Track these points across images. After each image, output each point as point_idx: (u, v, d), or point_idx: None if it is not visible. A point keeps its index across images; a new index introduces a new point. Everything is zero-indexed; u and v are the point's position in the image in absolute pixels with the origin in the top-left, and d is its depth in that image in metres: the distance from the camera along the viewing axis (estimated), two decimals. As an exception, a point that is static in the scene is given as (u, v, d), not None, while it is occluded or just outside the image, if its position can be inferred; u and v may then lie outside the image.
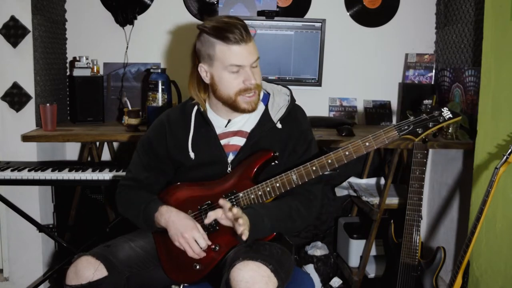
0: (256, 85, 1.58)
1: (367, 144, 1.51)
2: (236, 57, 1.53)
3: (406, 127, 1.52)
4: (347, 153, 1.51)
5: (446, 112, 1.52)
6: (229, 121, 1.67)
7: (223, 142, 1.64)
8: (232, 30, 1.51)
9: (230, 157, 1.63)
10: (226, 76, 1.56)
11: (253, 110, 1.61)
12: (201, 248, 1.54)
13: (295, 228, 1.61)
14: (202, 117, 1.66)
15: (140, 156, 1.73)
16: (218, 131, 1.65)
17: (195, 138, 1.65)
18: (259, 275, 1.37)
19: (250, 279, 1.36)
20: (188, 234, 1.53)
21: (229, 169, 1.62)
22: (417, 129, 1.52)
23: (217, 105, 1.66)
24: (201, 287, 1.61)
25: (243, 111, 1.60)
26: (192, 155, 1.64)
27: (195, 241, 1.53)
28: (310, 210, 1.62)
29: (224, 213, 1.48)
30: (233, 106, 1.60)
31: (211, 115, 1.68)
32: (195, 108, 1.68)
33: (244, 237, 1.42)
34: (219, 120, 1.67)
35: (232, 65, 1.54)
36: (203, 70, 1.61)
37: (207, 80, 1.62)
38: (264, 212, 1.52)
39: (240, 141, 1.64)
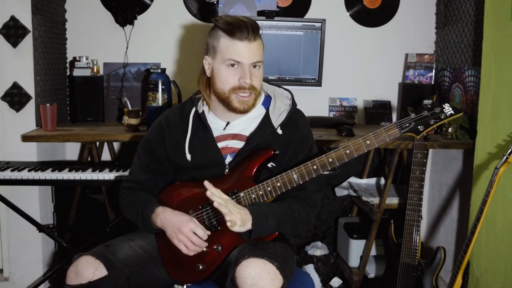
0: (251, 86, 1.57)
1: (368, 142, 1.50)
2: (236, 53, 1.54)
3: (407, 124, 1.50)
4: (348, 151, 1.51)
5: (447, 108, 1.49)
6: (227, 123, 1.66)
7: (221, 144, 1.64)
8: (241, 27, 1.53)
9: (228, 159, 1.63)
10: (224, 70, 1.57)
11: (245, 111, 1.60)
12: (201, 239, 1.53)
13: (295, 230, 1.61)
14: (200, 119, 1.66)
15: (140, 158, 1.74)
16: (216, 133, 1.65)
17: (192, 140, 1.65)
18: (265, 271, 1.37)
19: (256, 276, 1.35)
20: (185, 228, 1.53)
21: (227, 171, 1.62)
22: (418, 127, 1.49)
23: (217, 107, 1.65)
24: (205, 287, 1.61)
25: (234, 110, 1.59)
26: (188, 157, 1.64)
27: (194, 233, 1.53)
28: (309, 216, 1.62)
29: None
30: (226, 103, 1.59)
31: (210, 117, 1.67)
32: (193, 109, 1.68)
33: (233, 226, 1.44)
34: (218, 122, 1.67)
35: (230, 60, 1.55)
36: (207, 62, 1.63)
37: (208, 73, 1.63)
38: (269, 210, 1.52)
39: (238, 144, 1.64)
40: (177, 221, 1.55)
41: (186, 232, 1.53)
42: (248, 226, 1.48)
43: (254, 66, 1.57)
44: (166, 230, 1.57)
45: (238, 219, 1.45)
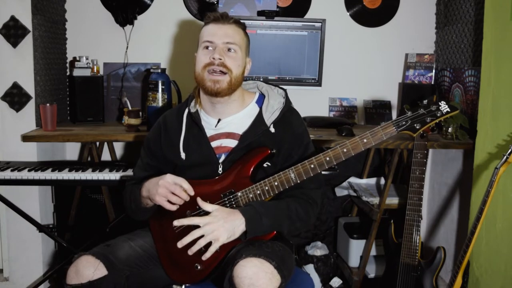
0: (222, 63, 1.58)
1: (365, 140, 1.50)
2: (209, 33, 1.61)
3: (403, 122, 1.50)
4: (345, 150, 1.51)
5: (443, 106, 1.49)
6: (219, 120, 1.67)
7: (215, 143, 1.65)
8: (218, 14, 1.62)
9: (222, 158, 1.64)
10: (200, 52, 1.62)
11: (217, 92, 1.59)
12: (181, 189, 1.53)
13: (294, 229, 1.61)
14: (193, 118, 1.68)
15: (141, 157, 1.78)
16: (210, 132, 1.66)
17: (186, 139, 1.67)
18: (263, 271, 1.37)
19: (253, 275, 1.35)
20: (162, 180, 1.53)
21: (220, 169, 1.62)
22: (415, 125, 1.50)
23: (204, 102, 1.68)
24: (203, 287, 1.61)
25: (206, 90, 1.60)
26: (183, 155, 1.65)
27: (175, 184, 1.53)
28: (308, 214, 1.61)
29: None
30: (202, 86, 1.61)
31: (203, 116, 1.69)
32: (187, 109, 1.70)
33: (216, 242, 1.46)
34: (210, 120, 1.68)
35: (205, 42, 1.60)
36: (195, 58, 1.66)
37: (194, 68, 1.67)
38: (263, 210, 1.51)
39: (232, 143, 1.64)
40: (157, 178, 1.56)
41: (164, 183, 1.52)
42: (240, 229, 1.48)
43: (229, 50, 1.60)
44: (149, 193, 1.56)
45: (224, 231, 1.45)
